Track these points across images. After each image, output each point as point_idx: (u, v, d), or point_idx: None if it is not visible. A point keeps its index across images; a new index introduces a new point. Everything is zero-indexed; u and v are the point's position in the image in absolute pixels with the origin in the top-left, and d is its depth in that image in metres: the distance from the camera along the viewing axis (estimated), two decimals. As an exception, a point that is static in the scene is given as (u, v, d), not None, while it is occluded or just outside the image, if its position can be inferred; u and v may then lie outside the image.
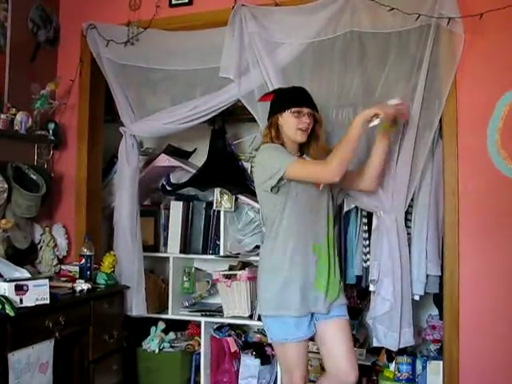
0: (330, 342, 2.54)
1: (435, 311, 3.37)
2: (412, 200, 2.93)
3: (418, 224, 2.93)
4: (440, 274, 2.90)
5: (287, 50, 3.00)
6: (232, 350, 3.55)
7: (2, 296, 2.35)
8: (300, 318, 2.44)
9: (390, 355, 3.32)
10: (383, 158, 2.62)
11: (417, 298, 2.96)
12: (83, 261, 3.05)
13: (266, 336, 3.66)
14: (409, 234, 2.95)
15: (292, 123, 2.49)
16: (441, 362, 2.92)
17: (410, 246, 2.93)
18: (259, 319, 3.39)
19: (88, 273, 3.05)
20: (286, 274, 2.44)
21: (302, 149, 2.62)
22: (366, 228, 3.07)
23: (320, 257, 2.50)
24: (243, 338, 3.71)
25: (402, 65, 2.87)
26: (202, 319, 3.56)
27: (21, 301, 2.43)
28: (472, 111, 2.79)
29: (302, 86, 2.61)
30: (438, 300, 3.13)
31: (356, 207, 3.10)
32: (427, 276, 2.91)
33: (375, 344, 2.98)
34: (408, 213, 2.95)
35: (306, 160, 2.56)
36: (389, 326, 2.80)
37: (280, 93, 2.59)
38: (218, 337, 3.58)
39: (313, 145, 2.59)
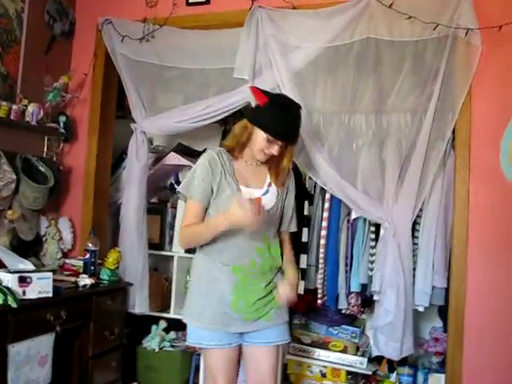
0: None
1: (439, 323, 3.35)
2: (421, 210, 2.90)
3: (426, 235, 2.91)
4: (446, 286, 2.88)
5: (302, 53, 2.99)
6: (232, 352, 3.52)
7: (5, 287, 2.33)
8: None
9: (392, 365, 3.30)
10: None
11: (421, 309, 2.94)
12: (88, 256, 3.04)
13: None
14: (416, 244, 2.93)
15: (260, 144, 2.27)
16: (443, 376, 2.89)
17: (416, 256, 2.91)
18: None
19: (92, 268, 3.04)
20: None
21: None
22: (374, 236, 3.04)
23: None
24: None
25: (417, 74, 2.87)
26: (204, 320, 3.54)
27: (24, 293, 2.42)
28: (486, 123, 2.77)
29: (296, 109, 2.30)
30: (443, 312, 3.10)
31: (364, 215, 3.08)
32: (433, 288, 2.89)
33: (375, 353, 2.96)
34: (416, 223, 2.93)
35: (187, 209, 2.34)
36: (390, 336, 2.79)
37: (270, 108, 2.26)
38: (218, 338, 3.56)
39: (272, 165, 2.38)
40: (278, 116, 2.25)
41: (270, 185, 2.40)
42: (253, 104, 2.39)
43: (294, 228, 2.56)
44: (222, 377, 2.34)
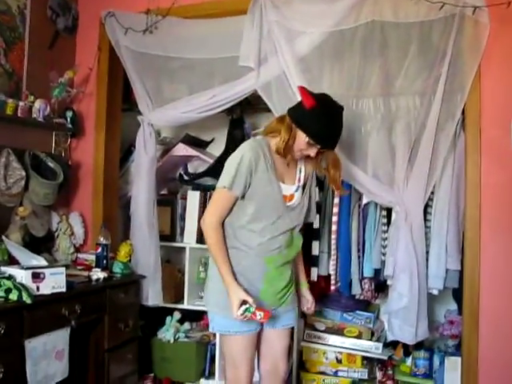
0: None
1: (453, 306, 3.33)
2: (432, 193, 2.89)
3: (439, 218, 2.89)
4: (460, 268, 2.86)
5: (307, 39, 2.95)
6: (247, 341, 3.53)
7: (19, 283, 2.34)
8: None
9: (407, 350, 3.29)
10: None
11: (435, 292, 2.93)
12: (100, 249, 3.05)
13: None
14: (428, 227, 2.91)
15: (299, 145, 2.31)
16: (459, 358, 2.89)
17: (429, 239, 2.90)
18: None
19: (104, 262, 3.05)
20: None
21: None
22: (385, 221, 3.03)
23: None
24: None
25: (424, 56, 2.83)
26: (218, 310, 3.54)
27: (37, 288, 2.43)
28: (496, 103, 2.74)
29: (340, 116, 2.32)
30: (457, 295, 3.09)
31: (375, 199, 3.06)
32: (447, 270, 2.87)
33: (390, 338, 2.96)
34: (428, 206, 2.91)
35: (219, 197, 2.36)
36: (404, 321, 2.79)
37: (316, 113, 2.25)
38: (233, 328, 3.56)
39: (328, 180, 2.51)
40: (323, 123, 2.27)
41: (299, 180, 2.46)
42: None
43: (313, 219, 2.66)
44: (245, 364, 2.40)
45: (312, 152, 2.32)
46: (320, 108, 2.26)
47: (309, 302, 2.65)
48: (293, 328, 2.67)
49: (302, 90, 2.34)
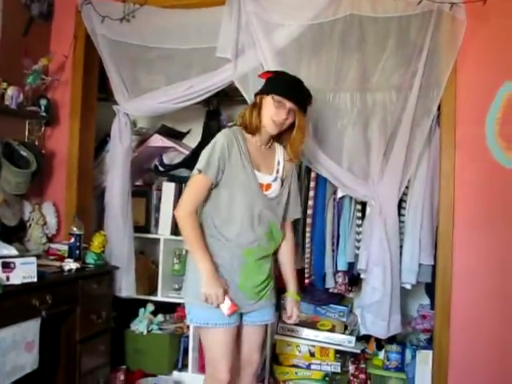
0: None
1: (426, 301, 3.36)
2: (407, 188, 2.90)
3: (413, 212, 2.92)
4: (433, 263, 2.89)
5: (285, 31, 2.94)
6: (221, 334, 3.52)
7: (-12, 273, 2.31)
8: None
9: (380, 343, 3.32)
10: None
11: (408, 286, 2.96)
12: (72, 240, 3.00)
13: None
14: (403, 222, 2.93)
15: (269, 110, 2.33)
16: (430, 352, 2.91)
17: (403, 234, 2.92)
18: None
19: (77, 252, 3.01)
20: None
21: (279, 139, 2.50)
22: (360, 215, 3.04)
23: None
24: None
25: (401, 51, 2.84)
26: (192, 302, 3.53)
27: (7, 278, 2.39)
28: (471, 100, 2.76)
29: (301, 80, 2.41)
30: (430, 289, 3.11)
31: (350, 193, 3.07)
32: (420, 265, 2.90)
33: (363, 332, 2.97)
34: (403, 201, 2.94)
35: (193, 183, 2.35)
36: (377, 315, 2.80)
37: (276, 76, 2.42)
38: (206, 320, 3.55)
39: (285, 143, 2.47)
40: (283, 78, 2.39)
41: (277, 172, 2.46)
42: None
43: (298, 214, 2.64)
44: (224, 359, 2.36)
45: (283, 114, 2.31)
46: (278, 73, 2.45)
47: (288, 312, 2.58)
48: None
49: (261, 74, 2.50)
